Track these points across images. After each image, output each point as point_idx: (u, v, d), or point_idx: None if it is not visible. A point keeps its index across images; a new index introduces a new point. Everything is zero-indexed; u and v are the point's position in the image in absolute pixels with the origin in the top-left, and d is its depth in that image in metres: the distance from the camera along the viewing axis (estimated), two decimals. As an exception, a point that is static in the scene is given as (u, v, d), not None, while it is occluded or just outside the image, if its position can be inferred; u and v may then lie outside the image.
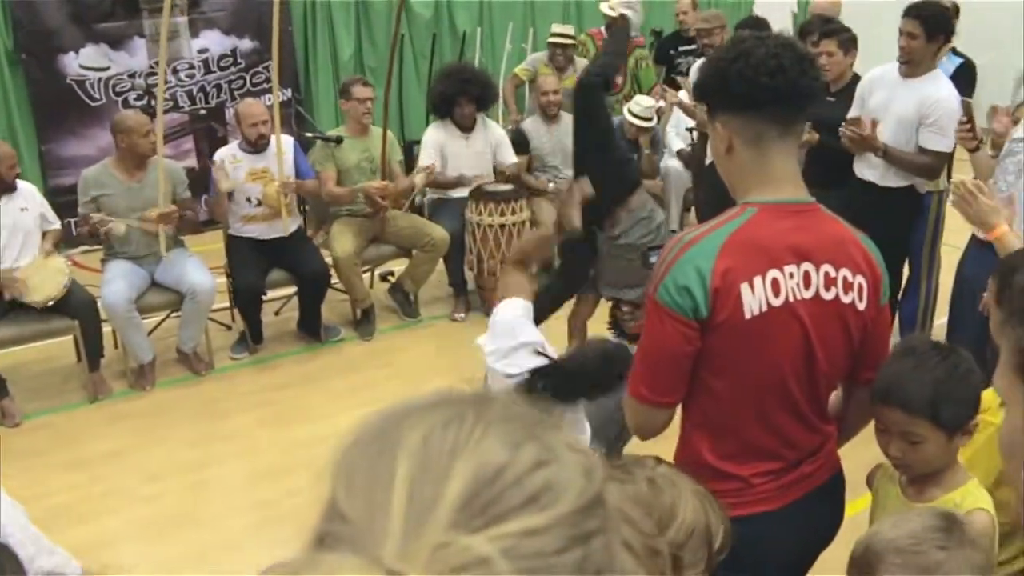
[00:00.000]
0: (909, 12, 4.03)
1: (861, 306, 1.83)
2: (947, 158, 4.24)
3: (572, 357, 2.14)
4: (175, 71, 7.04)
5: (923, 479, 1.94)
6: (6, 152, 4.51)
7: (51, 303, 4.46)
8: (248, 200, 5.06)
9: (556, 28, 6.60)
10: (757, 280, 1.71)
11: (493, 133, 5.79)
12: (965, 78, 4.84)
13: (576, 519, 0.56)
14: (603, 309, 4.27)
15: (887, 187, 4.26)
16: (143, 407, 4.67)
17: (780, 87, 1.70)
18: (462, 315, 5.67)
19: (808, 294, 1.76)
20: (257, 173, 5.04)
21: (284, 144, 5.07)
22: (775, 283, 1.72)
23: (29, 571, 1.67)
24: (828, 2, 6.03)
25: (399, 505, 0.55)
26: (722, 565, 1.46)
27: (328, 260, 5.31)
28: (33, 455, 4.19)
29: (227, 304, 5.41)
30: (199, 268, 4.87)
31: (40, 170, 6.72)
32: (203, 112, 7.28)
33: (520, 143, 5.95)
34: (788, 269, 1.74)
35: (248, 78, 7.40)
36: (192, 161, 7.14)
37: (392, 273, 6.06)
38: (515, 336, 2.19)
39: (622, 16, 4.37)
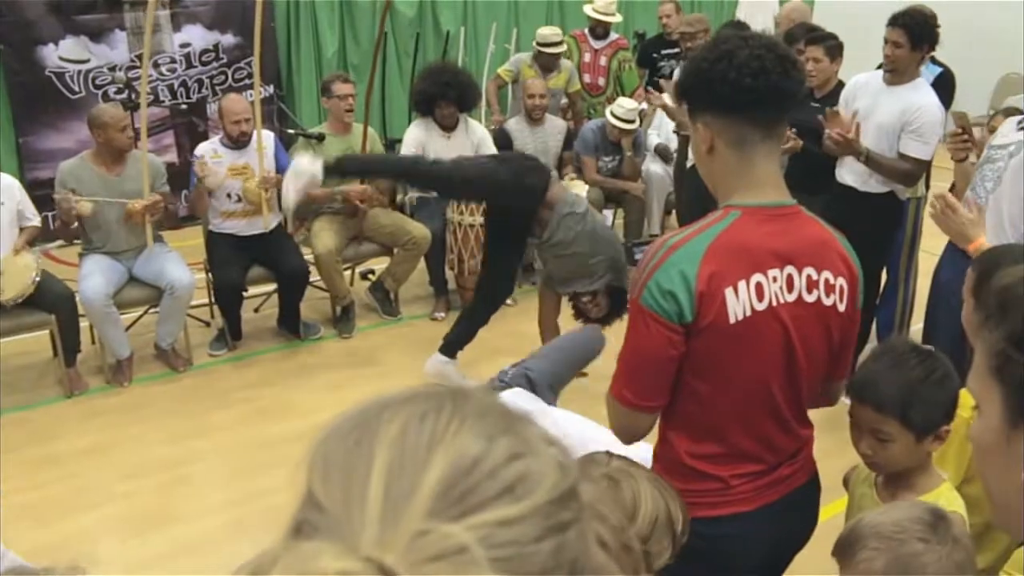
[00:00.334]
0: (895, 21, 4.06)
1: (842, 307, 1.84)
2: (927, 165, 4.27)
3: None
4: (156, 65, 6.98)
5: (896, 482, 1.96)
6: None
7: (19, 301, 4.42)
8: (228, 196, 5.04)
9: (543, 31, 6.59)
10: (741, 284, 1.72)
11: (475, 132, 5.78)
12: (945, 88, 4.88)
13: (550, 510, 0.57)
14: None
15: (867, 192, 4.29)
16: (120, 403, 4.64)
17: (763, 89, 1.69)
18: (442, 314, 5.67)
19: (791, 297, 1.77)
20: (238, 169, 5.02)
21: (265, 140, 5.05)
22: (759, 287, 1.73)
23: None
24: (794, 8, 6.06)
25: (376, 494, 0.55)
26: (697, 564, 1.47)
27: (309, 257, 5.30)
28: (7, 450, 4.14)
29: (206, 300, 5.38)
30: (178, 264, 4.83)
31: (18, 163, 6.65)
32: (184, 107, 7.24)
33: (503, 144, 5.95)
34: (772, 273, 1.75)
35: (230, 73, 7.36)
36: (172, 156, 7.10)
37: (373, 271, 6.05)
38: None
39: None
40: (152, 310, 5.03)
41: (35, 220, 4.72)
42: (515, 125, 6.13)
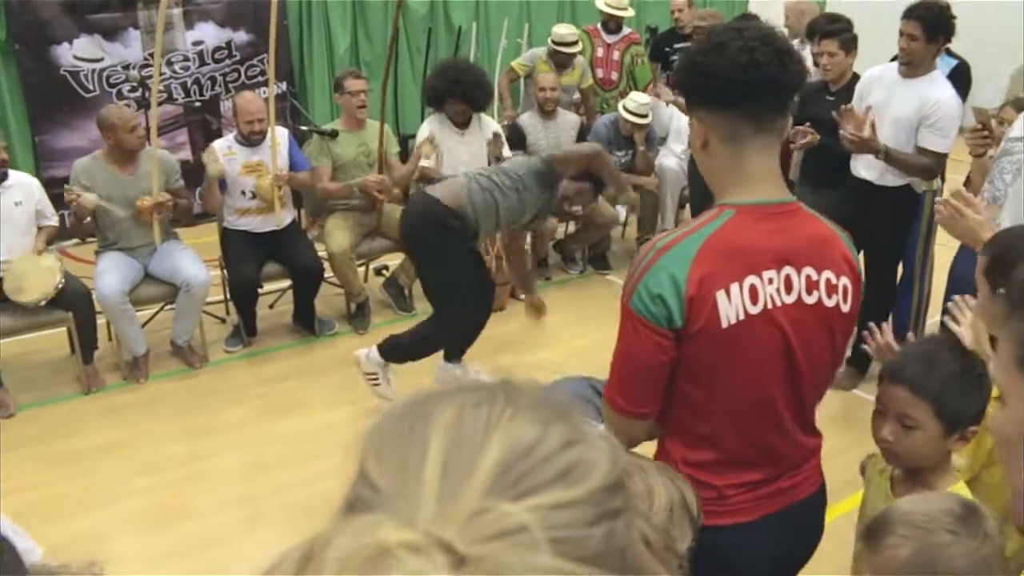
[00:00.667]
0: (910, 13, 4.03)
1: (846, 308, 1.78)
2: (945, 159, 4.25)
3: None
4: (170, 63, 7.01)
5: (913, 478, 1.92)
6: None
7: (44, 302, 4.45)
8: (242, 193, 5.06)
9: (559, 30, 6.57)
10: (734, 287, 1.65)
11: (488, 128, 5.78)
12: (960, 80, 4.85)
13: (602, 497, 0.58)
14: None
15: (884, 186, 4.26)
16: (137, 400, 4.66)
17: (754, 82, 1.62)
18: (457, 310, 5.66)
19: (790, 299, 1.71)
20: (252, 166, 5.04)
21: (279, 137, 5.06)
22: (753, 290, 1.67)
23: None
24: (799, 2, 6.03)
25: (433, 473, 0.56)
26: (701, 571, 1.45)
27: (323, 254, 5.31)
28: (26, 446, 4.18)
29: (221, 297, 5.40)
30: (194, 261, 4.86)
31: (33, 161, 6.69)
32: (197, 104, 7.26)
33: (516, 138, 5.95)
34: (767, 274, 1.68)
35: (243, 71, 7.38)
36: (186, 153, 7.12)
37: (387, 267, 6.06)
38: None
39: None
40: (168, 307, 5.06)
41: (53, 220, 4.75)
42: (528, 120, 6.12)
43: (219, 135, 6.21)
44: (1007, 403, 0.99)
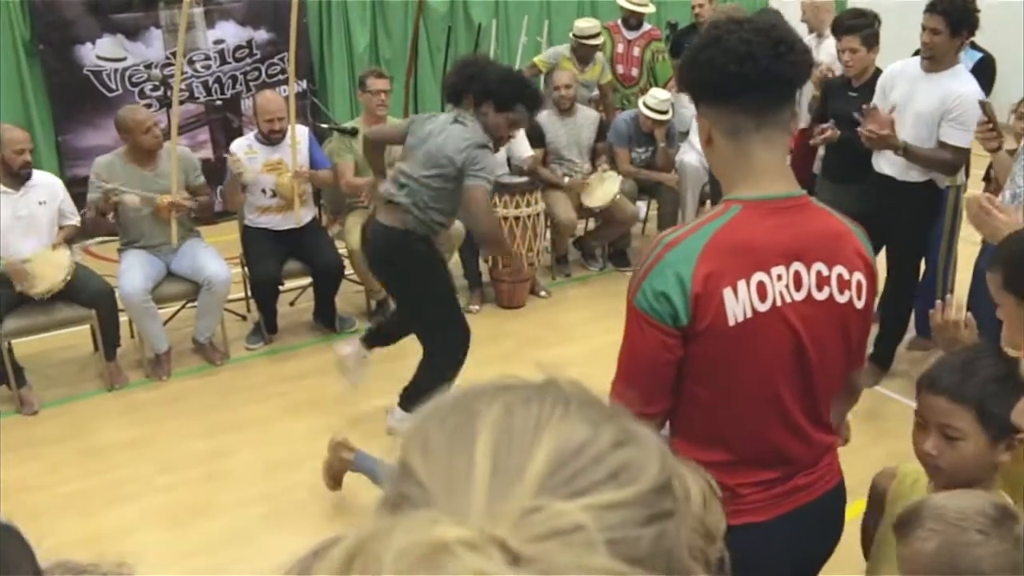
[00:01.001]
0: (933, 8, 3.98)
1: (860, 304, 1.74)
2: (967, 153, 4.20)
3: None
4: (191, 62, 7.05)
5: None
6: (15, 136, 4.46)
7: (49, 295, 4.47)
8: (263, 191, 5.08)
9: (581, 24, 6.56)
10: (741, 284, 1.62)
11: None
12: (985, 74, 4.79)
13: (652, 499, 0.58)
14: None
15: (906, 182, 4.22)
16: (159, 397, 4.70)
17: (749, 75, 1.60)
18: (477, 307, 5.67)
19: (800, 296, 1.67)
20: (272, 164, 5.06)
21: (299, 135, 5.08)
22: (761, 287, 1.63)
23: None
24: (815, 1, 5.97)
25: (482, 471, 0.56)
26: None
27: (343, 251, 5.33)
28: (50, 443, 4.22)
29: (242, 294, 5.42)
30: (215, 258, 4.88)
31: (57, 160, 6.76)
32: (219, 103, 7.30)
33: (535, 136, 5.94)
34: (776, 271, 1.65)
35: (264, 69, 7.41)
36: (208, 152, 7.16)
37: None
38: None
39: None
40: (190, 304, 5.09)
41: (74, 219, 4.79)
42: (546, 118, 6.11)
43: (240, 133, 6.25)
44: None
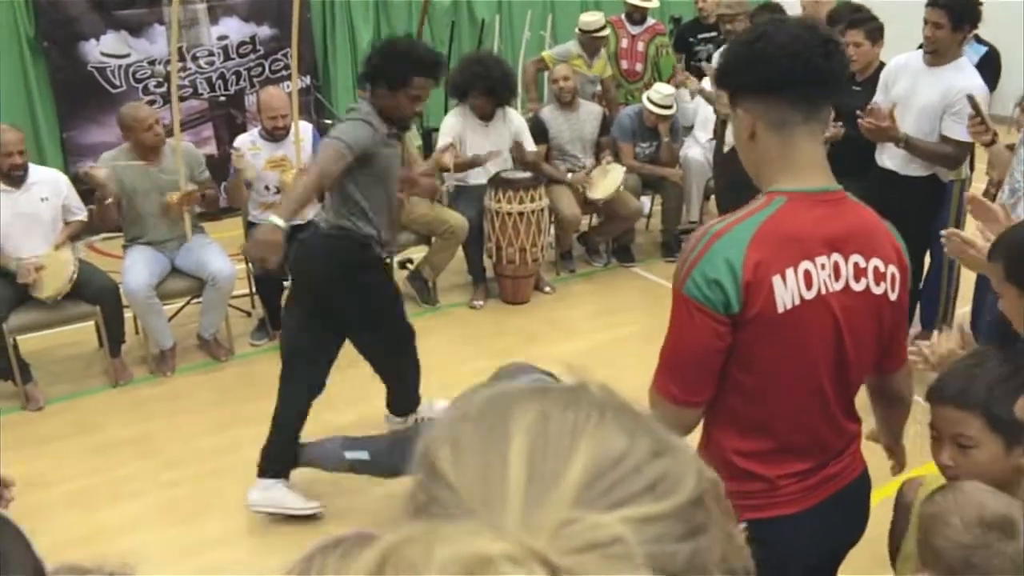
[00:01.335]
0: (935, 1, 3.97)
1: (893, 296, 1.78)
2: (969, 147, 4.19)
3: None
4: (195, 58, 7.06)
5: None
6: (6, 139, 4.42)
7: (60, 297, 4.50)
8: (267, 188, 5.09)
9: (586, 18, 6.56)
10: (789, 272, 1.66)
11: (512, 122, 5.77)
12: (990, 68, 4.78)
13: (689, 512, 0.56)
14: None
15: (908, 176, 4.22)
16: (163, 393, 4.71)
17: (802, 68, 1.65)
18: (481, 302, 5.68)
19: (838, 286, 1.71)
20: (276, 161, 5.06)
21: (303, 131, 5.08)
22: (807, 275, 1.67)
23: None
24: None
25: (518, 479, 0.55)
26: None
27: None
28: (55, 439, 4.23)
29: (247, 291, 5.43)
30: (219, 255, 4.89)
31: (62, 157, 6.77)
32: (222, 99, 7.31)
33: (538, 132, 5.94)
34: (820, 260, 1.69)
35: (267, 65, 7.41)
36: (212, 148, 7.17)
37: (411, 260, 6.07)
38: None
39: None
40: (194, 301, 5.10)
41: (81, 214, 4.80)
42: (549, 113, 6.11)
43: (244, 129, 6.26)
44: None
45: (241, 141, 5.12)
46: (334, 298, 3.59)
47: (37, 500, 3.68)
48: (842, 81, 1.74)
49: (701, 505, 0.58)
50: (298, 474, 3.66)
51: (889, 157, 4.28)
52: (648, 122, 6.16)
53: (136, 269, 4.69)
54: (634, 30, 6.92)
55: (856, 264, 1.73)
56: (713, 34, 6.94)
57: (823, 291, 1.69)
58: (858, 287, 1.73)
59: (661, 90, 6.08)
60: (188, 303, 5.20)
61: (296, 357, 3.68)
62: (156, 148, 4.75)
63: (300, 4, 4.82)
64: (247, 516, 3.66)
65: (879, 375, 1.94)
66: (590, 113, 6.18)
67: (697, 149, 6.44)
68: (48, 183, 4.64)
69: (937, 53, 4.05)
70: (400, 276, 5.94)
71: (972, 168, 4.51)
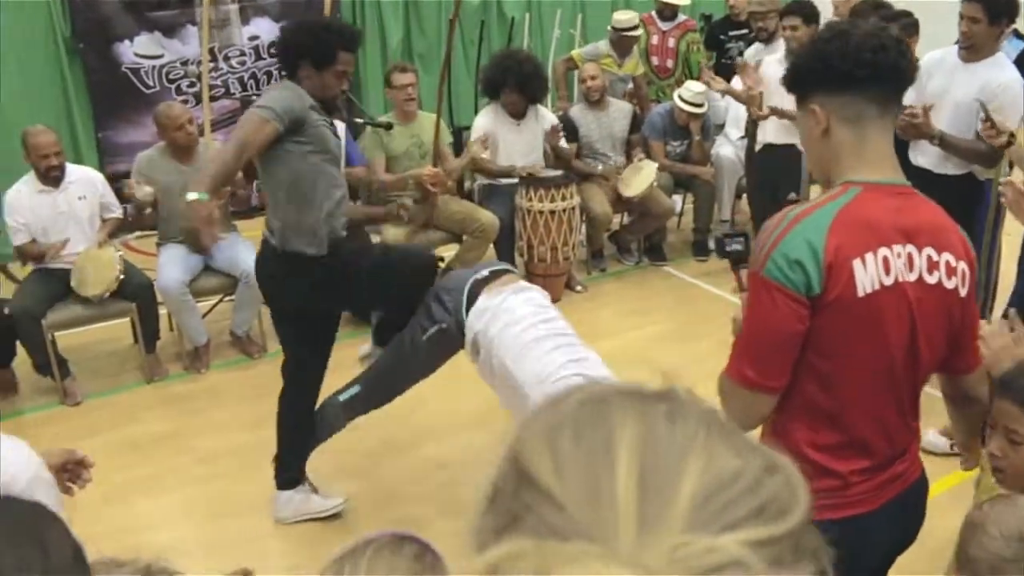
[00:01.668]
0: None
1: (963, 292, 1.78)
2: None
3: None
4: (226, 58, 7.12)
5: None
6: (38, 143, 4.49)
7: (107, 295, 4.57)
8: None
9: (619, 16, 6.54)
10: (869, 257, 1.66)
11: (545, 119, 5.77)
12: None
13: (801, 534, 0.54)
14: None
15: (943, 175, 4.16)
16: (197, 389, 4.76)
17: (881, 64, 1.69)
18: (511, 301, 5.67)
19: (912, 276, 1.71)
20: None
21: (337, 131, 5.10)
22: (886, 261, 1.68)
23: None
24: None
25: (628, 498, 0.53)
26: None
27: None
28: (92, 434, 4.28)
29: (279, 289, 5.46)
30: (252, 252, 4.90)
31: (97, 157, 6.85)
32: (254, 99, 7.33)
33: (568, 130, 5.93)
34: (896, 248, 1.70)
35: (299, 65, 7.45)
36: (244, 147, 7.21)
37: (442, 258, 6.07)
38: None
39: None
40: (227, 298, 5.14)
41: (117, 212, 4.88)
42: (578, 112, 6.10)
43: (276, 129, 6.27)
44: None
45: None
46: (312, 310, 3.57)
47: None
48: (912, 78, 1.77)
49: (811, 528, 0.56)
50: (311, 467, 3.70)
51: (922, 154, 4.22)
52: (679, 120, 6.13)
53: (170, 267, 4.74)
54: (665, 26, 6.89)
55: (929, 257, 1.73)
56: (744, 31, 6.90)
57: (900, 278, 1.70)
58: (931, 280, 1.73)
59: (692, 88, 6.05)
60: (221, 300, 5.25)
61: (294, 366, 3.71)
62: (190, 148, 4.80)
63: (331, 3, 4.84)
64: (280, 512, 3.69)
65: (953, 377, 1.93)
66: (620, 111, 6.16)
67: (729, 147, 6.39)
68: (85, 182, 4.71)
69: (973, 48, 3.98)
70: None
71: (1011, 166, 4.44)
